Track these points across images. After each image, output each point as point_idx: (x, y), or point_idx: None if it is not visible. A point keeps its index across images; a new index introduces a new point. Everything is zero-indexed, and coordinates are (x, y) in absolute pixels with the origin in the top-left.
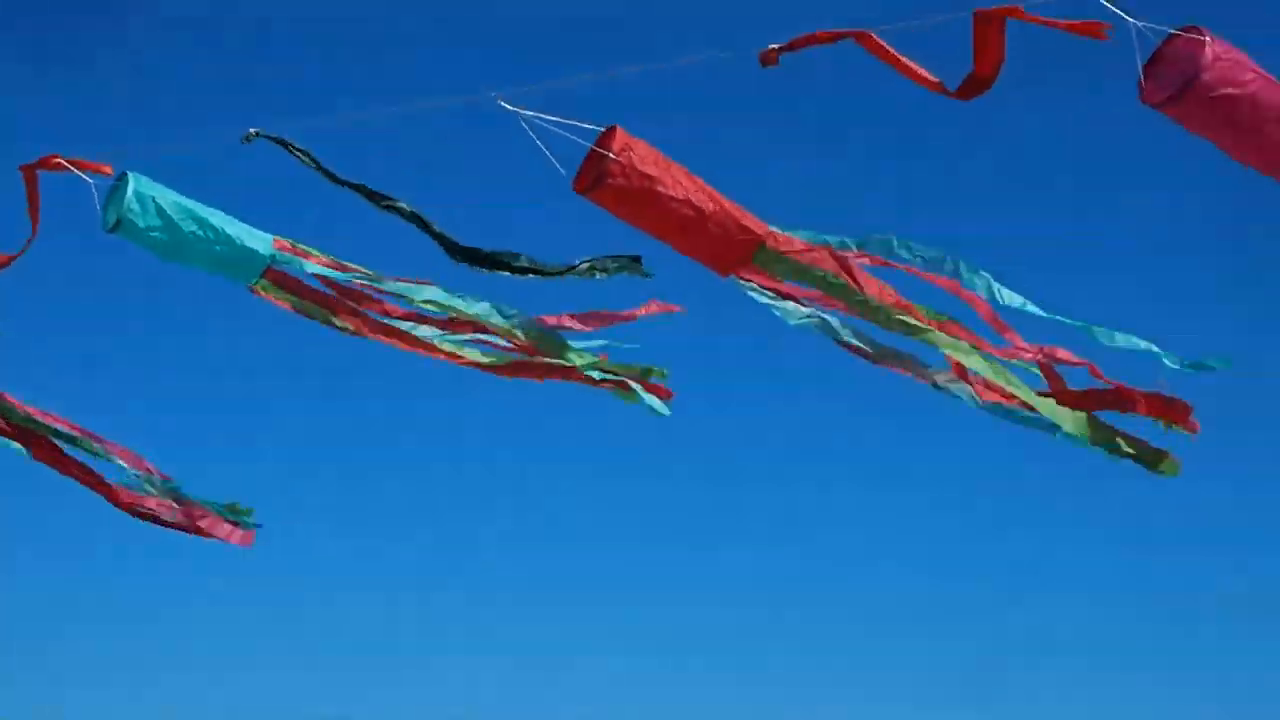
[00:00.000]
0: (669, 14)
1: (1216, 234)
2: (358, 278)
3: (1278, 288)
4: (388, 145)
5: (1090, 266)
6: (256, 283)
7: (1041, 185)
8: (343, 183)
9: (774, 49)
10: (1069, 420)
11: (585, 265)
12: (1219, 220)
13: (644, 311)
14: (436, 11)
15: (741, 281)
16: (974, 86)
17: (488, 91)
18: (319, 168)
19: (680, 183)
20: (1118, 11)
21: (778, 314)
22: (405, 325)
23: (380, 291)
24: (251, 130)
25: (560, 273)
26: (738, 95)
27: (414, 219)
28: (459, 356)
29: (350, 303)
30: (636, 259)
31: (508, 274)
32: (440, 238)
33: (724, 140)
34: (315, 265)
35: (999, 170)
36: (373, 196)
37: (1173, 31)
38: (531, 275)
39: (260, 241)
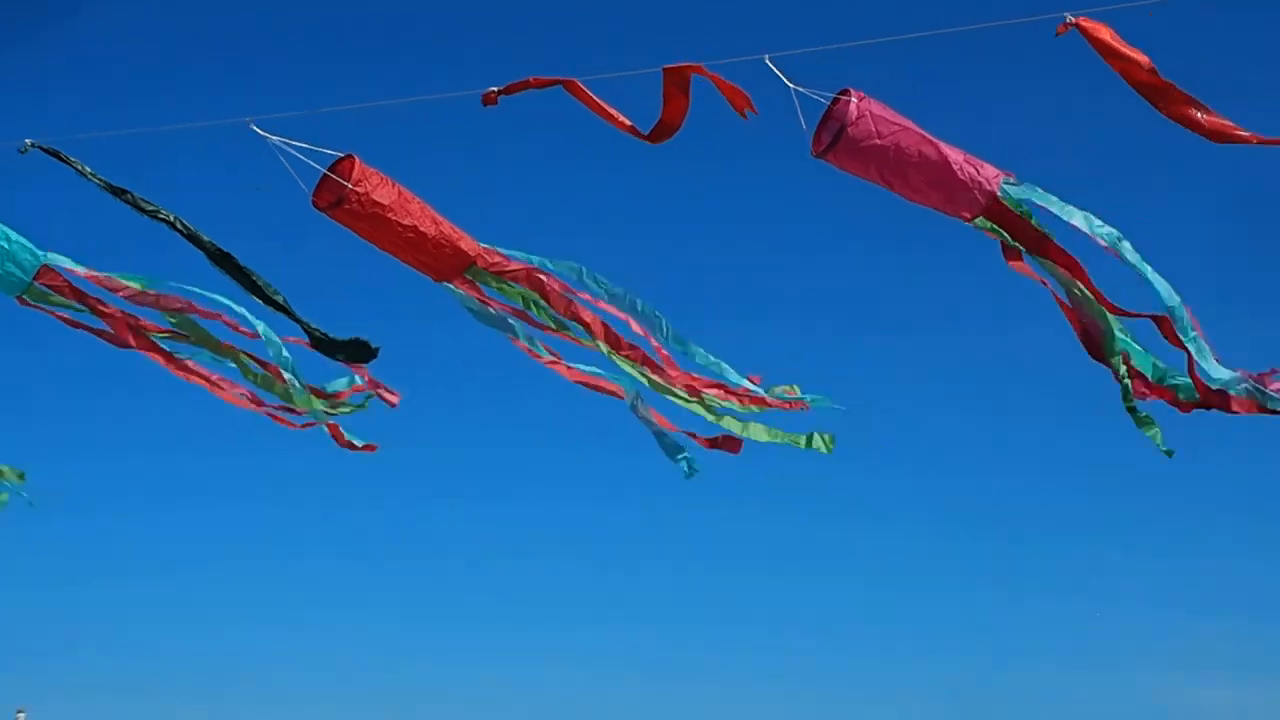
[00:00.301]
0: (417, 53)
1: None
2: (127, 278)
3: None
4: (159, 161)
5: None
6: (27, 290)
7: (727, 229)
8: (114, 190)
9: (494, 91)
10: (755, 428)
11: (322, 337)
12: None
13: (360, 390)
14: (210, 37)
15: (452, 289)
16: (662, 132)
17: (242, 117)
18: (92, 176)
19: (407, 209)
20: (782, 76)
21: (477, 319)
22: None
23: (139, 301)
24: (27, 141)
25: (307, 328)
26: (469, 128)
27: (175, 225)
28: (202, 379)
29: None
30: (368, 350)
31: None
32: (196, 239)
33: (455, 166)
34: (83, 269)
35: (687, 212)
36: (139, 205)
37: (835, 95)
38: (282, 314)
39: (32, 244)
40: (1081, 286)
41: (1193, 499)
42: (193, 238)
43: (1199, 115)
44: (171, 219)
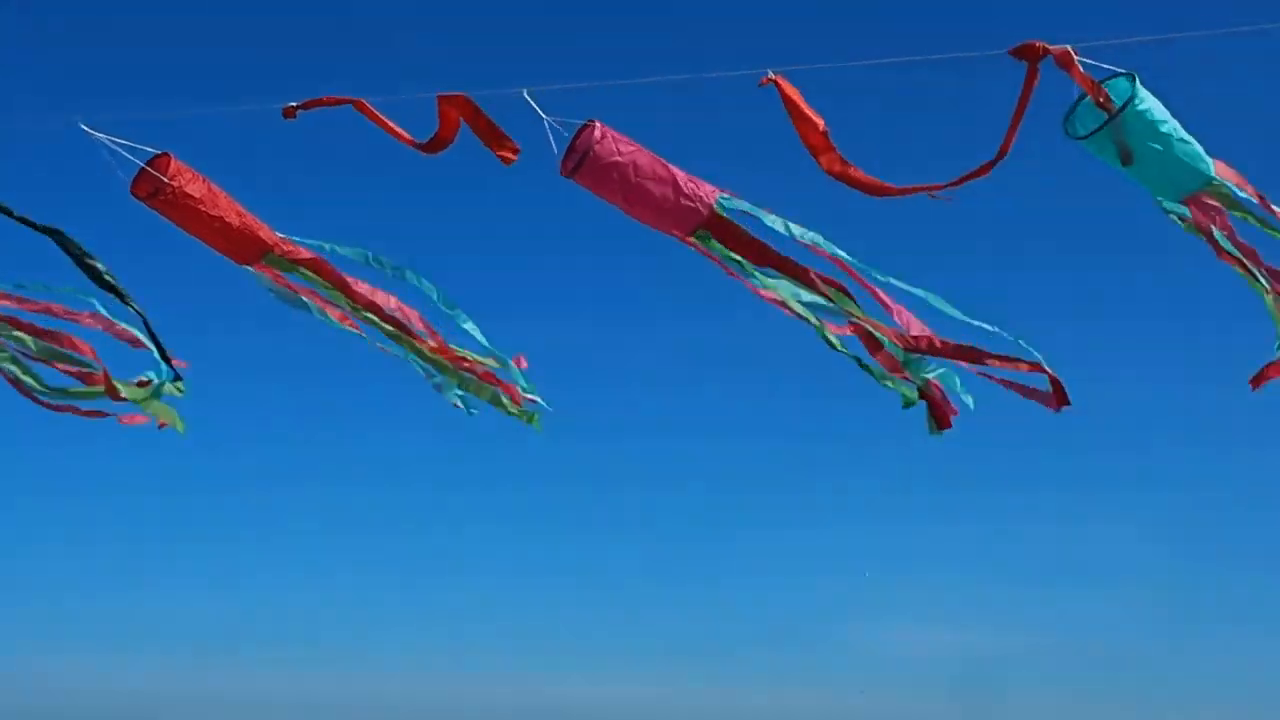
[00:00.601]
0: (229, 68)
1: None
2: None
3: None
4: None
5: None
6: None
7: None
8: None
9: (293, 106)
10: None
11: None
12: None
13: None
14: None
15: (254, 273)
16: (436, 144)
17: (72, 115)
18: None
19: (215, 202)
20: (538, 110)
21: (276, 298)
22: None
23: None
24: None
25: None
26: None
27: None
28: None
29: None
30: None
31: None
32: (28, 222)
33: (259, 167)
34: None
35: (456, 218)
36: None
37: (581, 124)
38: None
39: None
40: (811, 290)
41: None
42: (24, 221)
43: (855, 174)
44: (4, 206)
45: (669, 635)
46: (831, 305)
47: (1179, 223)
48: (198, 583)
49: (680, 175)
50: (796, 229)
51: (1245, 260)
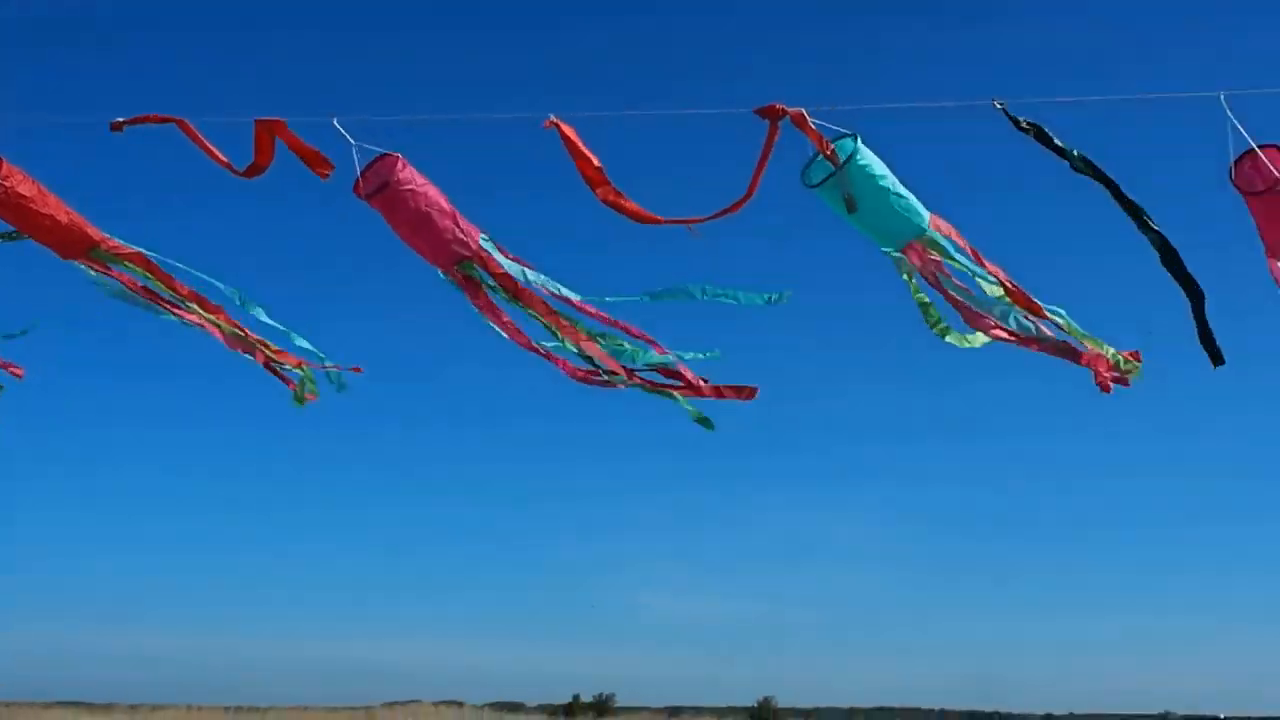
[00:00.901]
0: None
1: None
2: None
3: None
4: None
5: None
6: None
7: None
8: None
9: (120, 121)
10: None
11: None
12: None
13: None
14: None
15: (81, 265)
16: (253, 170)
17: None
18: None
19: (45, 200)
20: (346, 134)
21: (102, 290)
22: None
23: None
24: None
25: None
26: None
27: None
28: None
29: None
30: None
31: None
32: None
33: (88, 174)
34: None
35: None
36: None
37: (383, 152)
38: None
39: None
40: (553, 325)
41: None
42: None
43: (626, 204)
44: None
45: (469, 598)
46: (568, 341)
47: (900, 269)
48: None
49: (456, 211)
50: (531, 274)
51: (962, 303)
